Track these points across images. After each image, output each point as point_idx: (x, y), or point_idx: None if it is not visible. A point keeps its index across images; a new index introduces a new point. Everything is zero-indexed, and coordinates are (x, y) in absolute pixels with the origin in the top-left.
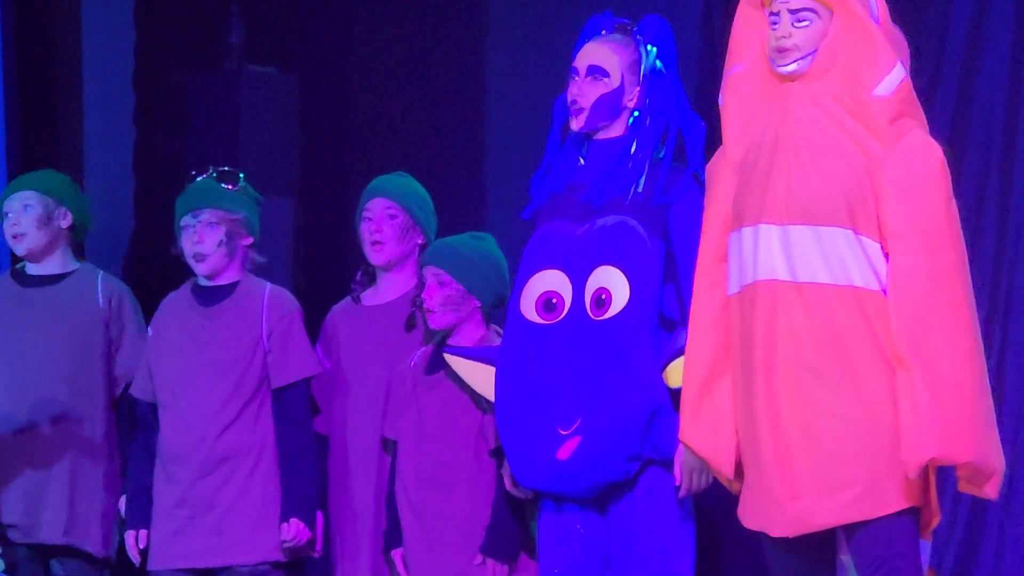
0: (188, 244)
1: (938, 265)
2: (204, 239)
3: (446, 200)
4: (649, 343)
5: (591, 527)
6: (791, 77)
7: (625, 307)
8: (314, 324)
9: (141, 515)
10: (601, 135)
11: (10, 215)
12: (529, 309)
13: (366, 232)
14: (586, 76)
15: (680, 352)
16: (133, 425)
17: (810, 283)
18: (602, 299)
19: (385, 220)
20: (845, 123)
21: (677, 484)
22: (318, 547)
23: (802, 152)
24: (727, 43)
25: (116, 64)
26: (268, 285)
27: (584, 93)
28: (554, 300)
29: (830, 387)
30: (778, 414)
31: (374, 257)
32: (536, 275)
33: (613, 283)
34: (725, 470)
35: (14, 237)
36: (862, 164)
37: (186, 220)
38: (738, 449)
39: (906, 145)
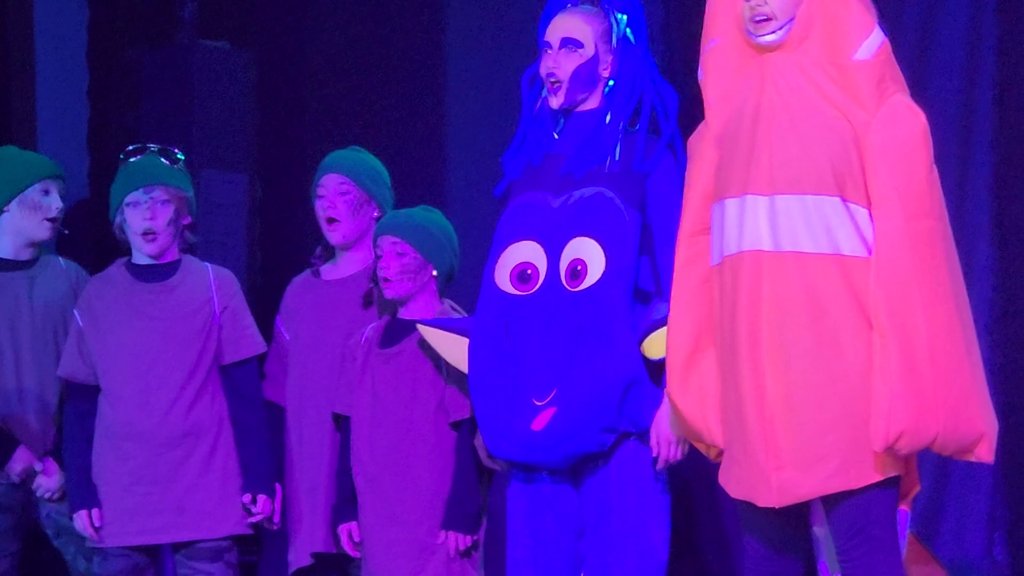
0: (137, 221)
1: (918, 231)
2: (157, 216)
3: (405, 175)
4: (625, 314)
5: (564, 499)
6: (769, 47)
7: (601, 278)
8: (271, 300)
9: (89, 495)
10: (578, 108)
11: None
12: (504, 280)
13: (320, 209)
14: (560, 48)
15: (658, 324)
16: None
17: (794, 252)
18: (577, 270)
19: (338, 196)
20: (827, 90)
21: (654, 456)
22: (276, 519)
23: (784, 121)
24: (687, 16)
25: (69, 40)
26: (208, 264)
27: (560, 65)
28: (528, 271)
29: (812, 357)
30: (763, 384)
31: (332, 237)
32: (511, 246)
33: (589, 254)
34: (715, 441)
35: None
36: (846, 130)
37: (135, 196)
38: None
39: (888, 110)
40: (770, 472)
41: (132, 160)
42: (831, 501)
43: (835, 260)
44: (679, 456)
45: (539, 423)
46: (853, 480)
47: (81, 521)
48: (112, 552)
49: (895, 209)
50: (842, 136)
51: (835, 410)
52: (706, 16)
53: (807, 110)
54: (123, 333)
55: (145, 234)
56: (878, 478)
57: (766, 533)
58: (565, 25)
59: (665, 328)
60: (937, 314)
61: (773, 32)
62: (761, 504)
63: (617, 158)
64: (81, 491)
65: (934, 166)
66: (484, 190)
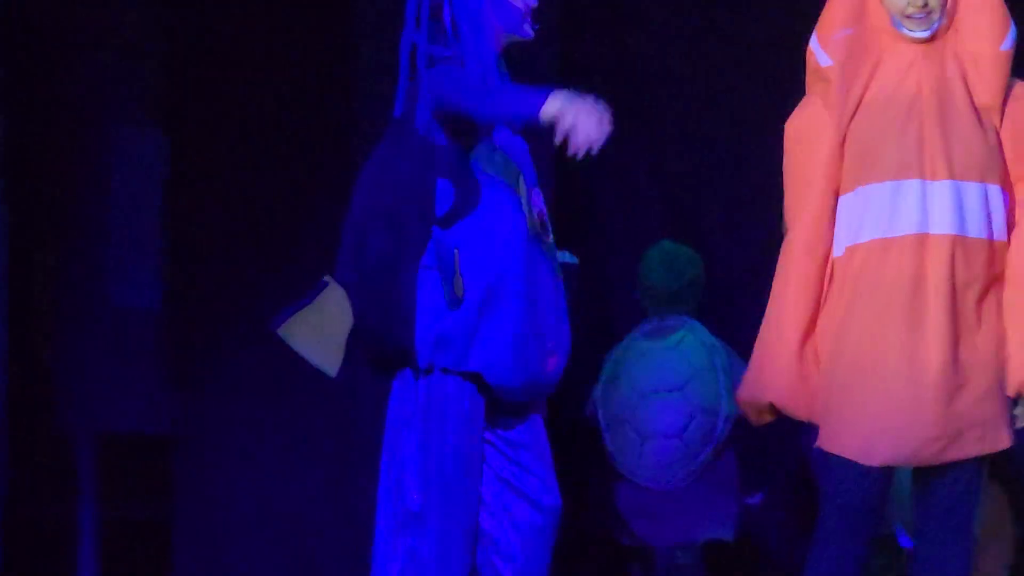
0: None
1: None
2: None
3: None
4: None
5: None
6: (917, 40)
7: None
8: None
9: None
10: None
11: None
12: (532, 224)
13: None
14: None
15: None
16: None
17: (959, 235)
18: (544, 223)
19: None
20: (969, 78)
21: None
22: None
23: (951, 110)
24: None
25: None
26: None
27: None
28: (544, 221)
29: (971, 334)
30: (928, 358)
31: None
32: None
33: (544, 207)
34: (806, 415)
35: None
36: (989, 119)
37: None
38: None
39: (1018, 93)
40: (922, 434)
41: None
42: (948, 466)
43: (987, 244)
44: None
45: (550, 365)
46: (988, 446)
47: None
48: None
49: None
50: (987, 126)
51: (981, 380)
52: (833, 6)
53: (964, 100)
54: None
55: None
56: (1004, 445)
57: (862, 490)
58: None
59: None
60: None
61: (928, 27)
62: (916, 463)
63: None
64: None
65: None
66: None
